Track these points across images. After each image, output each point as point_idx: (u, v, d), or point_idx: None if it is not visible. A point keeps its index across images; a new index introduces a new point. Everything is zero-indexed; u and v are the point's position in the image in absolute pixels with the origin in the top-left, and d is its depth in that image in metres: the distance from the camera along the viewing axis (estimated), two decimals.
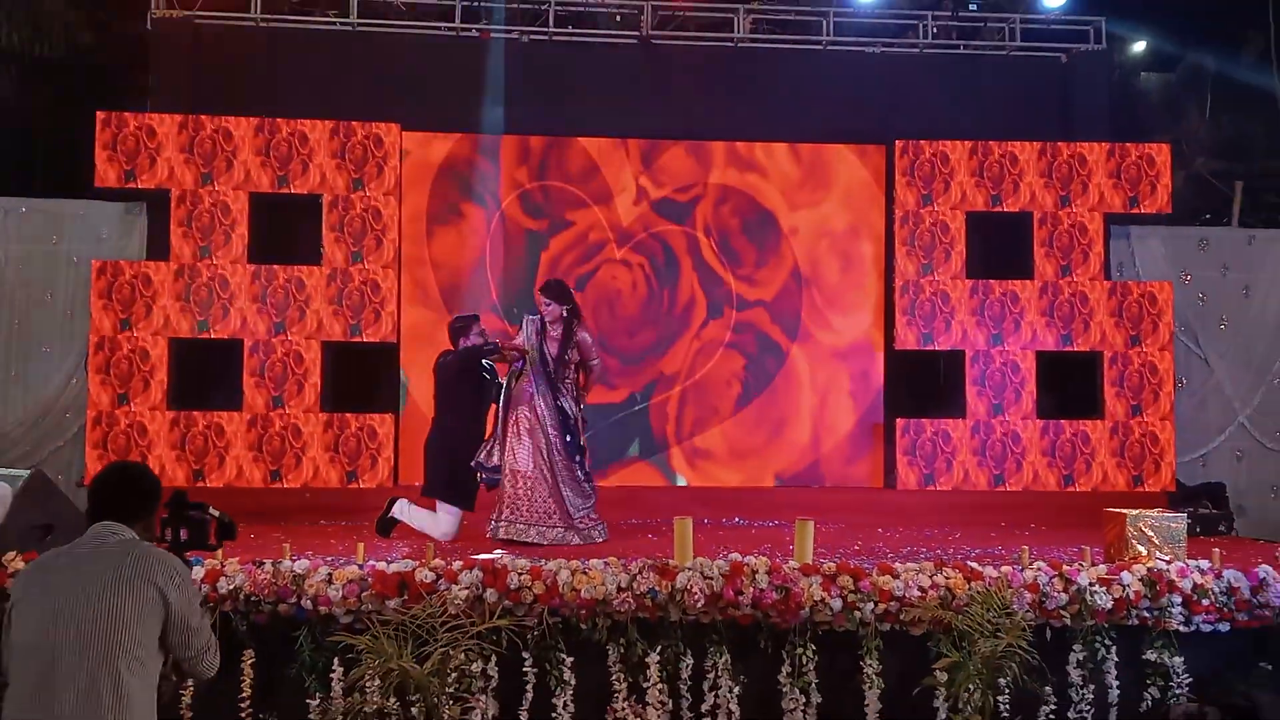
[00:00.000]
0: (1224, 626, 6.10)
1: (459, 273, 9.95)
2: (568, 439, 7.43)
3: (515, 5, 10.38)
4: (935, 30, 10.48)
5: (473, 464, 7.43)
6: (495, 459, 7.40)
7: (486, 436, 7.56)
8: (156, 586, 3.05)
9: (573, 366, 7.58)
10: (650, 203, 10.11)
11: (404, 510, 7.56)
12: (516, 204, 10.03)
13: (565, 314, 7.50)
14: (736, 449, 10.05)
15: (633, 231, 10.09)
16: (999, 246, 9.93)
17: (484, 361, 7.66)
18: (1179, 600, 6.07)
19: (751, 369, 10.10)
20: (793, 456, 10.08)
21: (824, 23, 10.31)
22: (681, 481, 9.99)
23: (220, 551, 3.93)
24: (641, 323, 10.08)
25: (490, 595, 5.72)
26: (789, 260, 10.17)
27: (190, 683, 4.97)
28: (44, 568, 3.14)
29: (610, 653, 5.80)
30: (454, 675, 5.48)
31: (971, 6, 10.64)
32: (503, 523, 7.32)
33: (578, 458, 7.48)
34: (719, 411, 10.07)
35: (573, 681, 5.74)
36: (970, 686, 5.56)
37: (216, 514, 3.45)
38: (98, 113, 9.29)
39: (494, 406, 7.60)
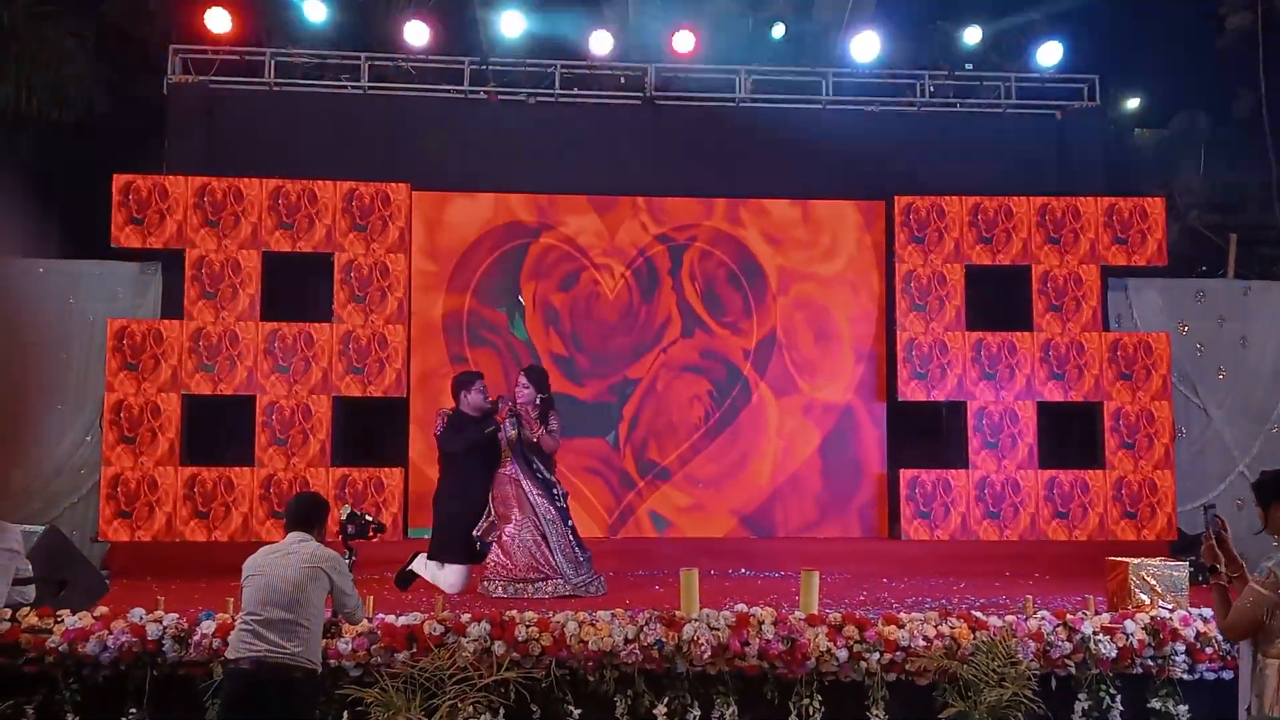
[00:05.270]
0: (1228, 674, 6.10)
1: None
2: (557, 505, 7.64)
3: (522, 68, 10.62)
4: (932, 89, 10.69)
5: (475, 534, 7.58)
6: (491, 535, 7.57)
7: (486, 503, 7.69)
8: (325, 572, 4.84)
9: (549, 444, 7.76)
10: (647, 234, 10.31)
11: (420, 563, 7.68)
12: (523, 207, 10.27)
13: (540, 401, 7.73)
14: (692, 474, 10.13)
15: (621, 245, 10.28)
16: (997, 299, 10.07)
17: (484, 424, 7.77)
18: (1182, 648, 6.12)
19: (717, 402, 10.19)
20: (757, 498, 10.15)
21: (823, 83, 10.52)
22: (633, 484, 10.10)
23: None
24: (617, 329, 10.23)
25: (498, 647, 5.78)
26: (791, 313, 10.31)
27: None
28: (264, 557, 4.87)
29: (618, 704, 5.84)
30: None
31: (967, 66, 10.84)
32: (499, 582, 7.44)
33: (569, 523, 7.67)
34: (683, 443, 10.15)
35: None
36: None
37: (371, 519, 5.88)
38: (114, 175, 9.50)
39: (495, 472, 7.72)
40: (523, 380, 7.79)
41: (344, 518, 5.69)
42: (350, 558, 5.30)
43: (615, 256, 10.26)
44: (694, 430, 10.18)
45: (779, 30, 11.28)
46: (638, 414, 10.16)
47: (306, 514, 5.02)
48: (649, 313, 10.27)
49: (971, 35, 10.68)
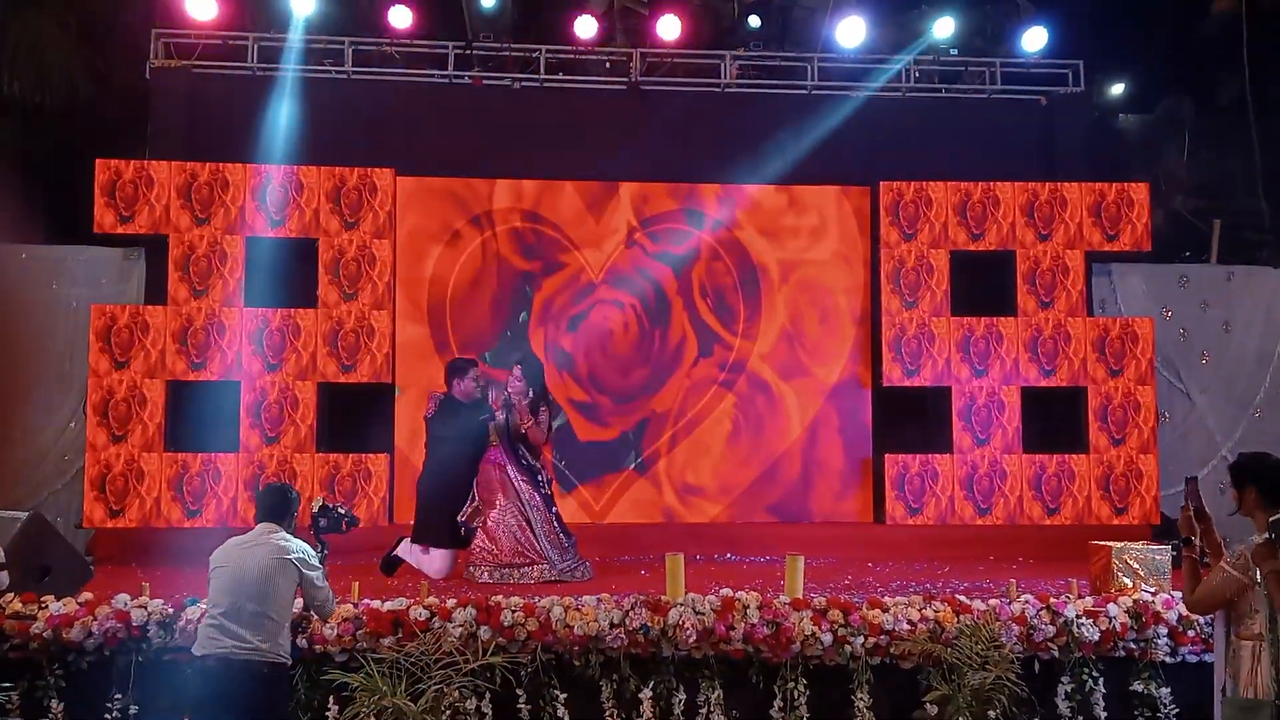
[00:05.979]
0: (1209, 657, 6.14)
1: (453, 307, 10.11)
2: (541, 491, 7.68)
3: (507, 53, 10.57)
4: (918, 74, 10.68)
5: (459, 519, 7.60)
6: (475, 520, 7.59)
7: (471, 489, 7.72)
8: (294, 564, 4.86)
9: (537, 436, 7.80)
10: (640, 245, 10.26)
11: (405, 548, 7.70)
12: (510, 244, 10.19)
13: (532, 394, 7.74)
14: (727, 485, 10.14)
15: (623, 271, 10.24)
16: (982, 284, 10.07)
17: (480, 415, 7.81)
18: (1165, 632, 6.19)
19: (741, 406, 10.20)
20: (781, 492, 10.16)
21: (809, 68, 10.51)
22: (675, 516, 10.06)
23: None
24: (634, 362, 10.20)
25: (484, 632, 5.80)
26: (775, 301, 10.31)
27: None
28: (232, 549, 4.90)
29: (603, 689, 5.88)
30: (448, 713, 5.54)
31: (952, 51, 10.82)
32: (484, 568, 7.45)
33: (553, 509, 7.72)
34: (710, 449, 10.16)
35: (566, 718, 5.81)
36: (960, 719, 5.64)
37: (344, 512, 5.57)
38: (97, 160, 9.42)
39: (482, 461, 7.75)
40: (516, 372, 7.81)
41: (315, 510, 5.69)
42: (322, 551, 5.26)
43: (621, 287, 10.19)
44: (725, 444, 10.17)
45: (755, 21, 11.24)
46: (672, 446, 10.12)
47: (276, 505, 5.05)
48: (663, 337, 10.22)
49: (943, 27, 10.62)
